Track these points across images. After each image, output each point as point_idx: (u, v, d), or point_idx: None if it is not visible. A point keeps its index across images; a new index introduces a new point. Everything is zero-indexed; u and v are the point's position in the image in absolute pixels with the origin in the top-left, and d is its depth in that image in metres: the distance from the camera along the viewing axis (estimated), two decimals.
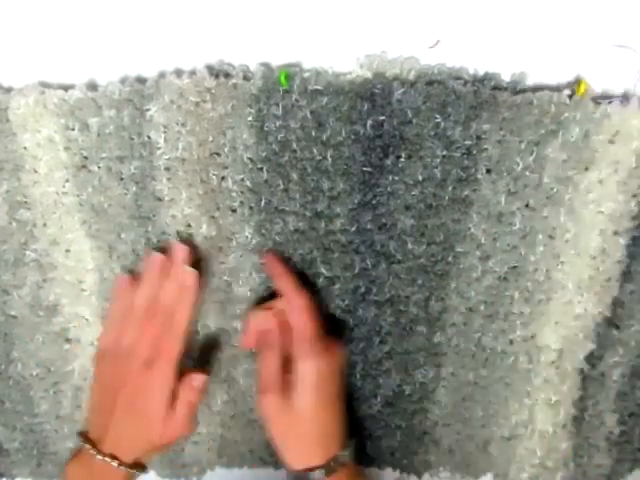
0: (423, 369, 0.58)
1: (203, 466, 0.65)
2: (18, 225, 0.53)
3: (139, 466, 0.52)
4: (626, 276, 0.54)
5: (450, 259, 0.52)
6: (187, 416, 0.51)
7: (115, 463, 0.50)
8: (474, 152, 0.48)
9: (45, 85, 0.49)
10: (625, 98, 0.48)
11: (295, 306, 0.50)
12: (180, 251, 0.50)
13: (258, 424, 0.62)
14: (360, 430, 0.62)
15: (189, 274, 0.50)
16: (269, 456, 0.64)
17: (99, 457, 0.50)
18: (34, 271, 0.54)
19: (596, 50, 0.48)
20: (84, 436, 0.52)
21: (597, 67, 0.48)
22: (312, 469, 0.51)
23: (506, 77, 0.48)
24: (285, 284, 0.51)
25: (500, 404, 0.60)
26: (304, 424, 0.51)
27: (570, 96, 0.47)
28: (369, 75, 0.46)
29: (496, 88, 0.47)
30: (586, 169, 0.49)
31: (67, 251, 0.54)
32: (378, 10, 0.47)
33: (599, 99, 0.48)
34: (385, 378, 0.59)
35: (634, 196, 0.50)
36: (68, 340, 0.58)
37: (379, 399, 0.60)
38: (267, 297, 0.54)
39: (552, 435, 0.60)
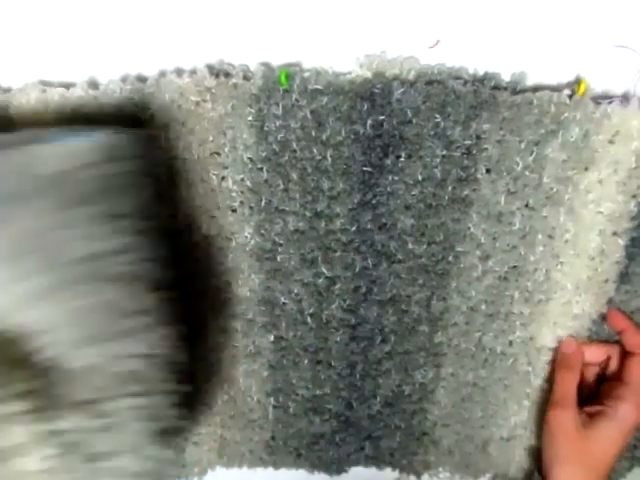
0: (423, 369, 0.58)
1: (203, 466, 0.64)
2: None
3: None
4: (623, 277, 0.54)
5: (450, 259, 0.52)
6: None
7: None
8: (474, 152, 0.48)
9: (45, 84, 0.48)
10: (625, 98, 0.47)
11: None
12: None
13: (258, 424, 0.62)
14: (359, 430, 0.62)
15: None
16: (269, 456, 0.64)
17: None
18: None
19: (596, 50, 0.48)
20: None
21: (597, 67, 0.48)
22: None
23: (506, 77, 0.48)
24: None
25: (499, 405, 0.60)
26: (588, 455, 0.53)
27: (570, 96, 0.46)
28: (369, 75, 0.46)
29: (496, 88, 0.46)
30: (586, 169, 0.49)
31: None
32: (378, 10, 0.47)
33: (599, 99, 0.47)
34: (385, 378, 0.58)
35: (633, 196, 0.50)
36: None
37: (379, 399, 0.60)
38: None
39: None
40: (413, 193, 0.49)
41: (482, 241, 0.51)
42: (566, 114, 0.46)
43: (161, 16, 0.47)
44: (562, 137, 0.47)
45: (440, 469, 0.66)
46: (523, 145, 0.47)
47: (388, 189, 0.49)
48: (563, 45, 0.47)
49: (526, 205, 0.50)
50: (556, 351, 0.56)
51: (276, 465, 0.65)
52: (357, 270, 0.53)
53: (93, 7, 0.47)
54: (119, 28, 0.47)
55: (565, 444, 0.53)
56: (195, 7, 0.47)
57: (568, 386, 0.54)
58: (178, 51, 0.48)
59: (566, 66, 0.48)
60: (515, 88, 0.47)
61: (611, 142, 0.47)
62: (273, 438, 0.63)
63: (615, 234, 0.51)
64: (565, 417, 0.53)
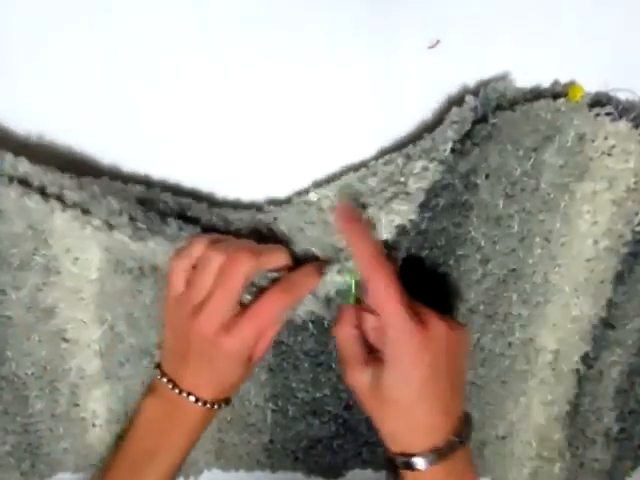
0: None
1: (200, 467, 0.64)
2: (34, 233, 0.50)
3: (221, 401, 0.49)
4: (619, 278, 0.54)
5: (451, 262, 0.52)
6: (263, 353, 0.48)
7: (193, 398, 0.47)
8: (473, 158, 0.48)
9: None
10: (624, 108, 0.48)
11: (379, 275, 0.43)
12: None
13: (256, 428, 0.61)
14: (357, 437, 0.61)
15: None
16: (266, 459, 0.63)
17: (176, 392, 0.48)
18: (36, 274, 0.52)
19: (596, 50, 0.48)
20: (162, 371, 0.49)
21: (596, 67, 0.48)
22: (414, 455, 0.44)
23: (505, 78, 0.48)
24: (362, 246, 0.45)
25: (497, 404, 0.60)
26: (400, 409, 0.44)
27: (566, 101, 0.47)
28: None
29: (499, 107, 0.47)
30: (581, 179, 0.49)
31: (76, 259, 0.52)
32: (378, 10, 0.46)
33: (595, 105, 0.48)
34: None
35: (631, 202, 0.51)
36: (66, 340, 0.56)
37: None
38: None
39: (545, 426, 0.60)
40: None
41: (482, 244, 0.52)
42: (562, 120, 0.47)
43: None
44: (559, 142, 0.48)
45: None
46: (521, 152, 0.48)
47: None
48: (562, 45, 0.48)
49: (523, 209, 0.51)
50: None
51: (273, 468, 0.64)
52: None
53: None
54: None
55: (366, 404, 0.47)
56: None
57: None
58: None
59: (565, 66, 0.48)
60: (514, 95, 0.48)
61: (609, 155, 0.48)
62: (271, 441, 0.62)
63: (610, 241, 0.52)
64: (359, 377, 0.46)
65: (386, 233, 0.47)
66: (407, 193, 0.46)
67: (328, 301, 0.46)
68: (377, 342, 0.46)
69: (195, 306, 0.45)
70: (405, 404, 0.44)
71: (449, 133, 0.45)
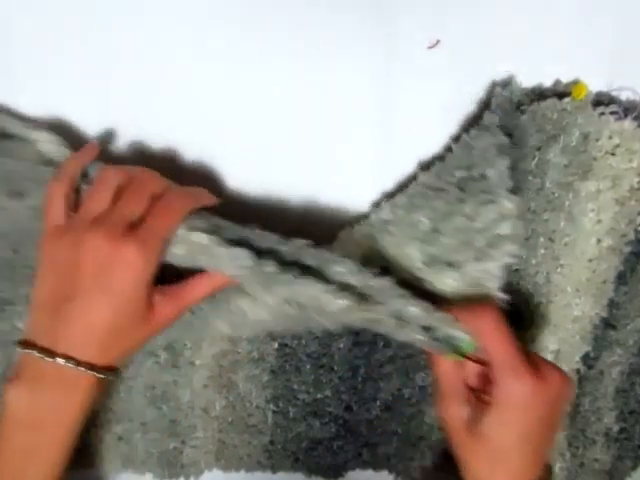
0: (424, 372, 0.58)
1: (201, 468, 0.63)
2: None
3: (108, 368, 0.40)
4: (621, 278, 0.54)
5: None
6: (171, 314, 0.42)
7: (73, 363, 0.38)
8: None
9: None
10: (625, 107, 0.48)
11: (486, 318, 0.43)
12: None
13: (256, 429, 0.61)
14: (358, 437, 0.61)
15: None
16: (267, 460, 0.63)
17: (49, 360, 0.38)
18: None
19: (597, 50, 0.48)
20: (28, 343, 0.40)
21: (598, 67, 0.48)
22: None
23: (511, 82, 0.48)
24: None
25: None
26: (495, 452, 0.44)
27: (571, 100, 0.47)
28: None
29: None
30: (585, 178, 0.49)
31: None
32: (378, 10, 0.46)
33: (600, 104, 0.48)
34: (386, 382, 0.58)
35: (634, 202, 0.50)
36: None
37: (378, 403, 0.59)
38: None
39: None
40: None
41: None
42: (567, 119, 0.47)
43: None
44: (563, 141, 0.48)
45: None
46: (526, 151, 0.48)
47: None
48: (562, 46, 0.48)
49: (528, 209, 0.51)
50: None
51: (274, 469, 0.64)
52: None
53: None
54: None
55: (456, 440, 0.46)
56: None
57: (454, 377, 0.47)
58: None
59: (565, 67, 0.48)
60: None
61: (613, 154, 0.48)
62: (272, 442, 0.62)
63: (613, 240, 0.52)
64: (456, 411, 0.46)
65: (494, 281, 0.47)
66: (500, 235, 0.45)
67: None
68: (480, 386, 0.46)
69: (91, 222, 0.39)
70: (501, 447, 0.44)
71: (499, 166, 0.44)
